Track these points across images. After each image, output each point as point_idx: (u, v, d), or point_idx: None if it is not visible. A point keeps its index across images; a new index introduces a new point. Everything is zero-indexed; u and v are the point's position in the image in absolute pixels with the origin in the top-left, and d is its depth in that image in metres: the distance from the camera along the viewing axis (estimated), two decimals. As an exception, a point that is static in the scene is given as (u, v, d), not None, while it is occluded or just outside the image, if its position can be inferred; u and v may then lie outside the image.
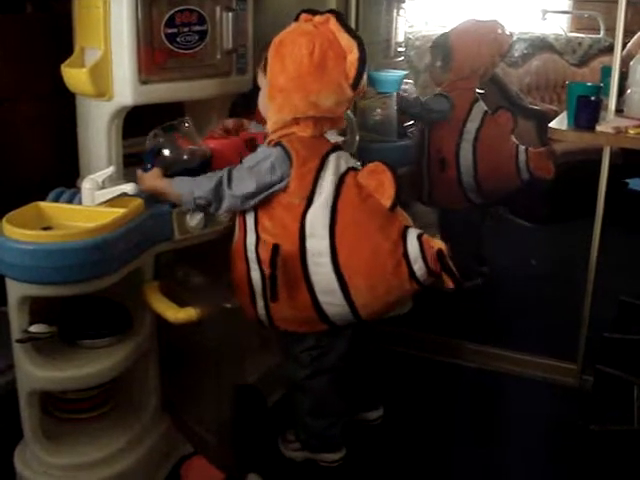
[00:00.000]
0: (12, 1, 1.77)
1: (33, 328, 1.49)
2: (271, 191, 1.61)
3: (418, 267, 1.59)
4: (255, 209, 1.64)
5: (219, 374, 1.55)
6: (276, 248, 1.57)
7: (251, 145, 1.79)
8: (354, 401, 1.96)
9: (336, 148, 1.67)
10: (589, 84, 2.23)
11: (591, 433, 1.95)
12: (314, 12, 1.66)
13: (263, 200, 1.62)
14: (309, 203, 1.61)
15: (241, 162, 1.65)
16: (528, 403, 2.14)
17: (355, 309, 1.64)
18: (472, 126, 2.65)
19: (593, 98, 2.00)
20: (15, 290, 1.47)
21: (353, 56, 1.59)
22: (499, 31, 2.68)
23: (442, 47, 2.67)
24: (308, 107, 1.60)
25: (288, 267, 1.59)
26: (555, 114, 2.49)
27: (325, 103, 1.60)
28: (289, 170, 1.60)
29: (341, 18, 1.63)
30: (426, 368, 2.32)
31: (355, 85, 1.61)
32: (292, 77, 1.58)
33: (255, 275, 1.65)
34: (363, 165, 1.69)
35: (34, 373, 1.51)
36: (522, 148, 2.66)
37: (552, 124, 2.07)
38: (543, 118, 2.89)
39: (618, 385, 2.07)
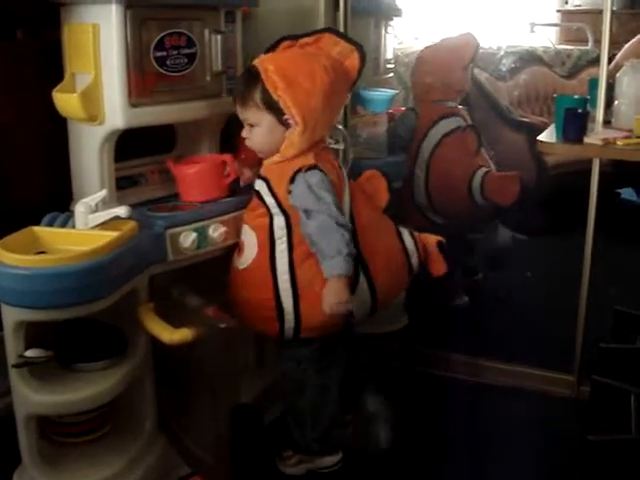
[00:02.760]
0: (2, 28, 1.78)
1: (29, 353, 1.50)
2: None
3: (414, 260, 1.79)
4: (288, 224, 1.67)
5: (216, 394, 1.55)
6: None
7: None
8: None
9: (337, 157, 1.81)
10: (576, 96, 2.26)
11: (589, 443, 1.94)
12: (295, 37, 1.75)
13: None
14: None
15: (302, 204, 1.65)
16: (525, 415, 2.14)
17: (375, 305, 1.75)
18: (430, 143, 2.61)
19: (580, 110, 2.02)
20: (10, 315, 1.47)
21: (354, 60, 1.74)
22: (461, 45, 2.66)
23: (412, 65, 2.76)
24: (333, 118, 1.76)
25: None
26: (545, 126, 2.50)
27: (339, 108, 1.82)
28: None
29: (338, 32, 1.80)
30: (421, 382, 2.32)
31: (353, 86, 1.79)
32: (320, 98, 1.64)
33: (285, 290, 1.67)
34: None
35: (31, 398, 1.51)
36: (480, 172, 2.58)
37: (541, 137, 2.09)
38: (533, 130, 2.90)
39: (615, 395, 2.07)
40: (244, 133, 1.73)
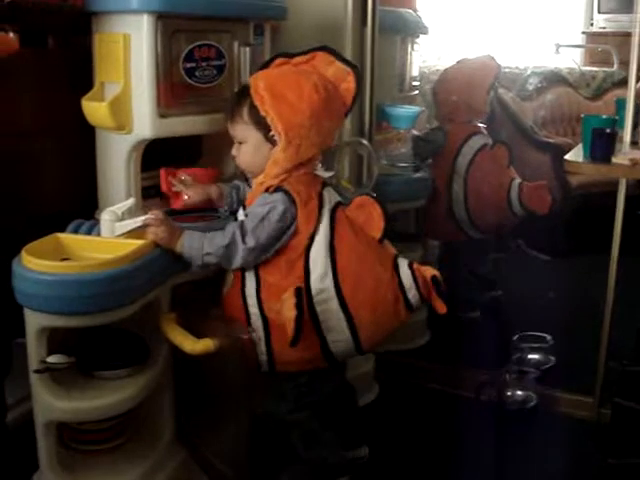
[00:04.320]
0: (35, 35, 1.80)
1: (51, 359, 1.50)
2: (285, 238, 1.59)
3: (412, 295, 1.62)
4: None
5: (236, 405, 1.54)
6: (299, 290, 1.54)
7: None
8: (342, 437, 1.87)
9: (324, 184, 1.68)
10: (604, 116, 2.25)
11: (609, 466, 1.92)
12: (290, 55, 1.70)
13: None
14: (312, 240, 1.60)
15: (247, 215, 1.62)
16: (544, 437, 2.12)
17: (359, 343, 1.63)
18: (464, 160, 2.69)
19: (608, 130, 2.01)
20: (33, 321, 1.47)
21: (349, 84, 1.66)
22: (483, 67, 2.76)
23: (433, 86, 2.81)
24: (322, 140, 1.63)
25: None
26: (570, 147, 2.51)
27: (332, 135, 1.68)
28: (295, 213, 1.59)
29: (334, 51, 1.69)
30: (437, 400, 2.31)
31: (349, 112, 1.70)
32: (307, 116, 1.58)
33: (257, 322, 1.61)
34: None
35: (51, 404, 1.51)
36: (516, 182, 2.68)
37: (568, 156, 2.08)
38: (558, 151, 2.91)
39: (636, 418, 2.04)
40: (233, 151, 1.69)
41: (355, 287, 1.59)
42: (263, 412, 1.70)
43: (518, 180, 2.68)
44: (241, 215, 1.65)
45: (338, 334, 1.60)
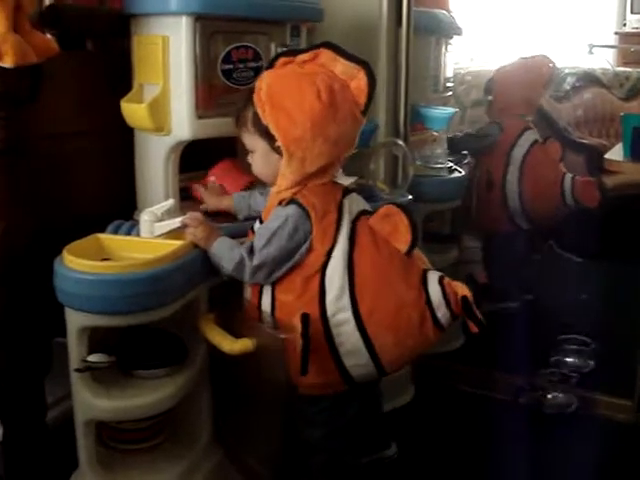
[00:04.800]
0: (74, 39, 1.82)
1: (92, 358, 1.51)
2: (298, 257, 1.50)
3: (442, 314, 1.50)
4: None
5: (274, 406, 1.54)
6: (306, 317, 1.45)
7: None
8: (369, 445, 1.85)
9: (347, 192, 1.57)
10: (645, 115, 2.23)
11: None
12: (293, 53, 1.59)
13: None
14: (328, 257, 1.50)
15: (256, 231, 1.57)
16: (582, 441, 2.09)
17: (381, 367, 1.53)
18: (520, 151, 2.79)
19: (649, 129, 1.99)
20: (75, 320, 1.49)
21: (360, 81, 1.53)
22: (540, 65, 2.90)
23: (488, 84, 2.91)
24: (332, 150, 1.51)
25: (311, 332, 1.46)
26: (604, 148, 2.50)
27: (345, 139, 1.54)
28: (310, 228, 1.50)
29: (337, 47, 1.55)
30: (474, 403, 2.29)
31: (365, 111, 1.55)
32: (307, 127, 1.47)
33: None
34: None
35: (91, 402, 1.52)
36: (569, 176, 2.76)
37: (607, 155, 2.07)
38: (592, 152, 2.91)
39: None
40: (248, 158, 1.63)
41: (374, 308, 1.49)
42: (294, 437, 1.62)
43: (570, 174, 2.76)
44: (257, 226, 1.60)
45: (357, 358, 1.51)
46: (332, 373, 1.52)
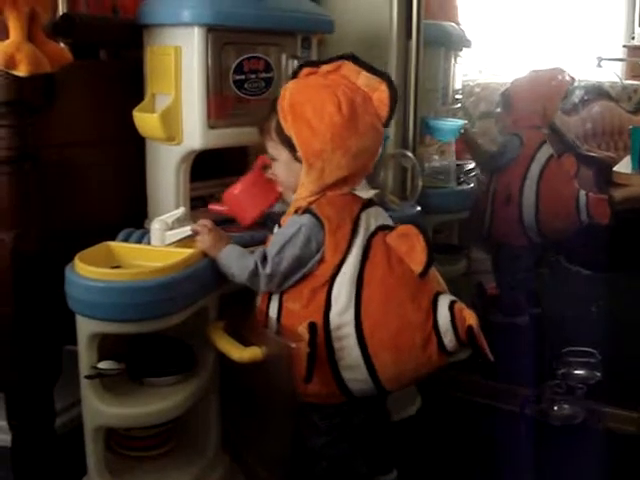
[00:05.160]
0: (88, 48, 1.84)
1: (102, 365, 1.52)
2: (310, 266, 1.50)
3: (449, 340, 1.47)
4: None
5: (282, 414, 1.55)
6: (314, 326, 1.46)
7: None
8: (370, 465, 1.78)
9: (366, 205, 1.56)
10: (653, 127, 2.23)
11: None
12: (317, 63, 1.60)
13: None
14: (338, 269, 1.50)
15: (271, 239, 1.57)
16: (589, 452, 2.09)
17: (380, 384, 1.51)
18: (537, 166, 2.76)
19: (657, 142, 2.00)
20: (85, 326, 1.50)
21: (382, 93, 1.53)
22: (557, 77, 2.91)
23: (505, 95, 2.88)
24: (351, 162, 1.51)
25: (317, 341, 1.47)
26: (613, 161, 2.50)
27: (365, 152, 1.54)
28: (323, 239, 1.50)
29: (359, 60, 1.56)
30: (480, 414, 2.30)
31: (387, 123, 1.56)
32: (327, 139, 1.48)
33: None
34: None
35: (101, 409, 1.53)
36: (582, 192, 2.73)
37: (616, 168, 2.07)
38: (601, 165, 2.91)
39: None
40: (272, 167, 1.63)
41: (377, 326, 1.48)
42: (299, 444, 1.63)
43: (583, 191, 2.75)
44: (276, 230, 1.61)
45: (355, 373, 1.50)
46: (331, 385, 1.51)
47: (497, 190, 2.81)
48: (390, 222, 1.59)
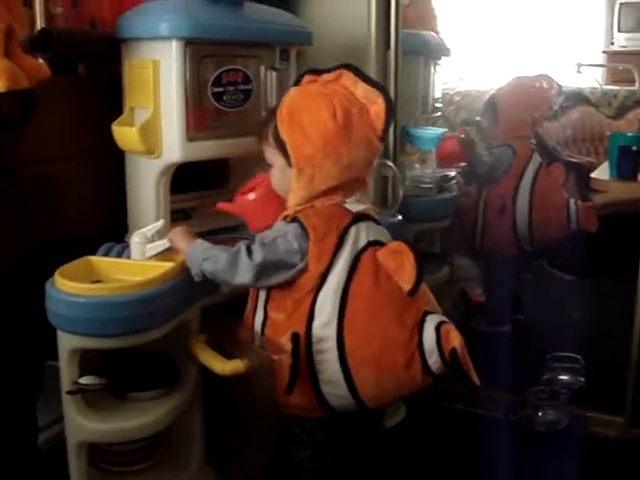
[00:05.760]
0: (66, 63, 1.84)
1: (83, 380, 1.52)
2: (292, 273, 1.49)
3: (433, 361, 1.44)
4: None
5: (265, 426, 1.55)
6: (297, 337, 1.45)
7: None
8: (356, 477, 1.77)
9: (357, 219, 1.53)
10: (630, 134, 2.25)
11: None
12: (318, 72, 1.61)
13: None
14: (323, 281, 1.48)
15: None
16: (573, 457, 2.10)
17: (361, 401, 1.49)
18: (529, 176, 2.81)
19: (635, 148, 2.01)
20: (66, 342, 1.49)
21: (378, 107, 1.53)
22: (544, 84, 2.93)
23: (490, 104, 2.91)
24: (342, 172, 1.51)
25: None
26: (592, 166, 2.53)
27: (358, 163, 1.53)
28: (307, 248, 1.48)
29: (358, 70, 1.56)
30: (465, 422, 2.31)
31: (383, 137, 1.55)
32: (319, 145, 1.48)
33: None
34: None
35: (83, 425, 1.52)
36: (572, 201, 2.78)
37: (594, 174, 2.09)
38: (581, 170, 2.93)
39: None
40: (269, 172, 1.63)
41: (359, 343, 1.45)
42: (283, 456, 1.61)
43: (572, 200, 2.80)
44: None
45: (334, 388, 1.48)
46: (310, 398, 1.50)
47: (489, 200, 2.84)
48: (385, 238, 1.57)
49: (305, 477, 1.64)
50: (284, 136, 1.52)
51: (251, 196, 1.69)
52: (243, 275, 1.50)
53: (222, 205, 1.72)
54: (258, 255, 1.49)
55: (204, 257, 1.52)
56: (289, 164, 1.54)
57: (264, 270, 1.50)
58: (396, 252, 1.50)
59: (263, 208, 1.67)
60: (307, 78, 1.62)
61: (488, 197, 2.85)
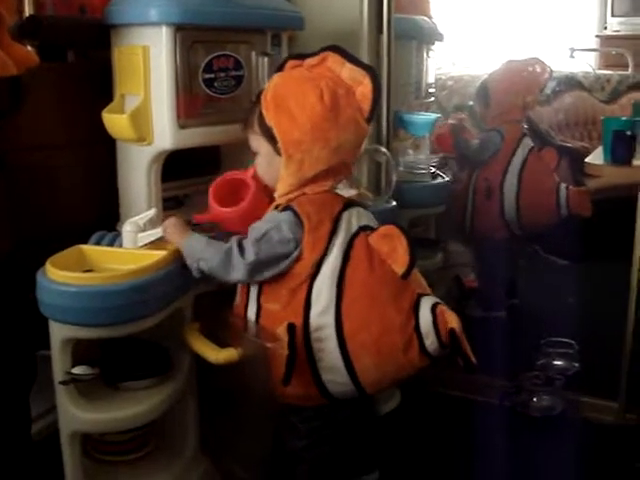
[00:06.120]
0: (55, 50, 1.82)
1: (76, 370, 1.50)
2: (286, 263, 1.48)
3: (430, 342, 1.45)
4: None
5: (260, 415, 1.54)
6: (293, 327, 1.43)
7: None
8: (352, 465, 1.75)
9: (348, 205, 1.54)
10: (624, 118, 2.24)
11: (636, 471, 1.91)
12: (302, 56, 1.59)
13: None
14: (318, 269, 1.47)
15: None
16: (568, 442, 2.10)
17: (361, 387, 1.50)
18: (518, 160, 2.80)
19: (629, 132, 2.00)
20: (58, 332, 1.48)
21: (365, 87, 1.51)
22: (536, 68, 2.91)
23: (482, 89, 2.90)
24: (331, 155, 1.49)
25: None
26: (586, 151, 2.52)
27: (346, 146, 1.51)
28: (301, 237, 1.47)
29: (344, 51, 1.54)
30: (460, 408, 2.31)
31: (370, 118, 1.53)
32: (307, 129, 1.47)
33: None
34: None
35: (76, 415, 1.52)
36: (563, 186, 2.77)
37: (588, 159, 2.08)
38: (575, 155, 2.93)
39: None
40: (255, 161, 1.61)
41: (358, 329, 1.46)
42: (279, 445, 1.61)
43: (564, 184, 2.79)
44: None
45: (335, 375, 1.48)
46: (310, 387, 1.50)
47: (478, 185, 2.84)
48: (374, 223, 1.56)
49: (302, 467, 1.63)
50: (271, 123, 1.50)
51: (231, 215, 1.61)
52: (236, 273, 1.50)
53: (199, 218, 1.65)
54: (250, 253, 1.48)
55: (199, 257, 1.52)
56: (276, 151, 1.52)
57: (257, 267, 1.49)
58: (387, 236, 1.50)
59: (245, 223, 1.58)
60: (290, 63, 1.60)
61: (477, 181, 2.85)
